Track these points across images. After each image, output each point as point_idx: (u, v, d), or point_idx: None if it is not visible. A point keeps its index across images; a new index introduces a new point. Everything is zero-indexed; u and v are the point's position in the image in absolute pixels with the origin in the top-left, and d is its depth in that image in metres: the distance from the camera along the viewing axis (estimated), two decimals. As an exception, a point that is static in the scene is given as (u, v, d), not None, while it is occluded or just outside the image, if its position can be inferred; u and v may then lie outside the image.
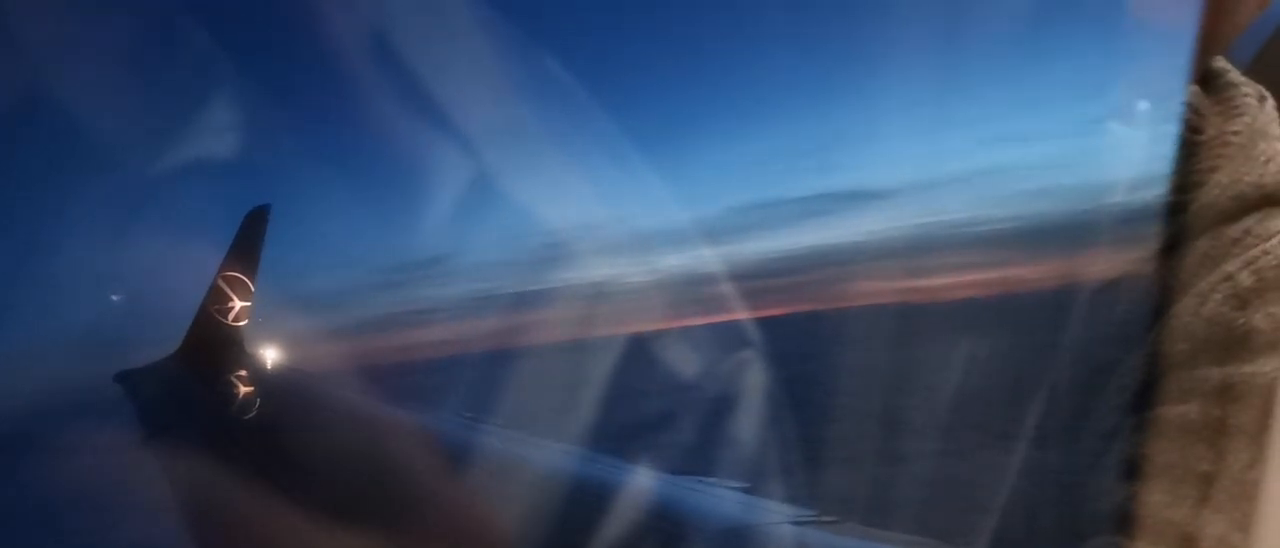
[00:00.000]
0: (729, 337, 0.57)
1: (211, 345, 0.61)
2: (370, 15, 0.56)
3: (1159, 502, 0.48)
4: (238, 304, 0.61)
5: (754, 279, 0.58)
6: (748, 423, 0.57)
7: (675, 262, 0.58)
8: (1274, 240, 0.48)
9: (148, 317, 0.63)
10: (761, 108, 0.58)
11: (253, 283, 0.61)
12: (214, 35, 0.57)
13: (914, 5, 0.53)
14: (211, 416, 0.64)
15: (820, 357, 0.57)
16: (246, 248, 0.60)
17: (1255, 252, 0.48)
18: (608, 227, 0.59)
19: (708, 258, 0.57)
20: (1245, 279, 0.47)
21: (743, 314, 0.57)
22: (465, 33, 0.55)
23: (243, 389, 0.61)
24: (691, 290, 0.59)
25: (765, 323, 0.57)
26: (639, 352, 0.58)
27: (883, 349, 0.55)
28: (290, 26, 0.57)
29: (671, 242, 0.58)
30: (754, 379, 0.57)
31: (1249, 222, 0.49)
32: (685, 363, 0.58)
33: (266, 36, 0.57)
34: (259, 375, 0.61)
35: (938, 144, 0.56)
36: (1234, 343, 0.47)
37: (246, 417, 0.62)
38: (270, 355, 0.61)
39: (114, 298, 0.60)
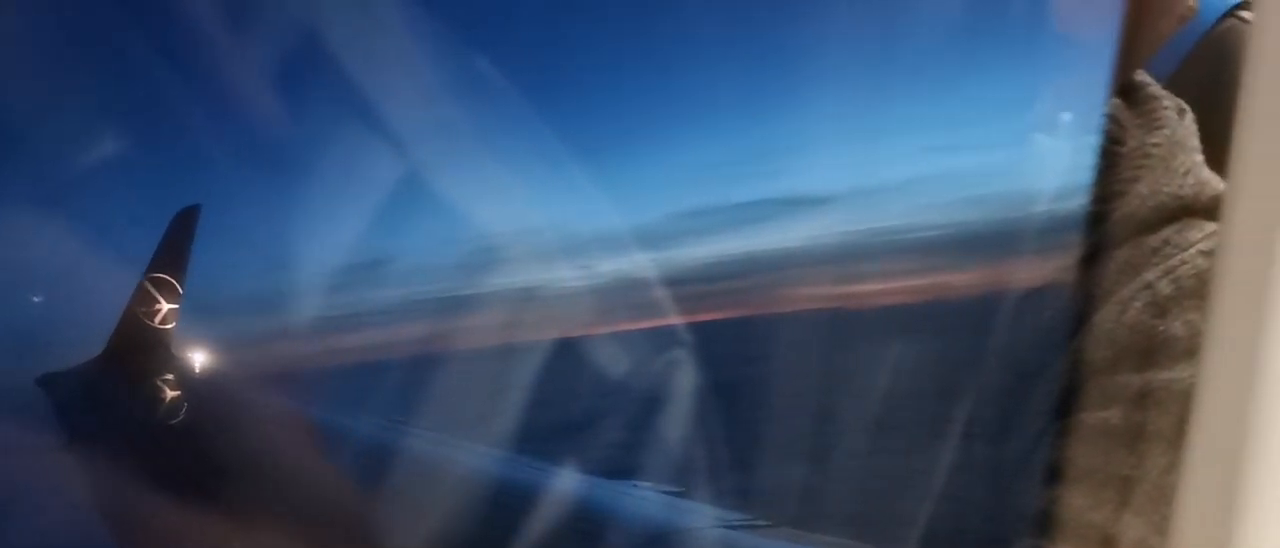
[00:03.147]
0: (664, 341, 0.57)
1: (137, 348, 0.60)
2: (304, 12, 0.55)
3: (1081, 505, 0.49)
4: (165, 307, 0.60)
5: (691, 284, 0.58)
6: (682, 427, 0.57)
7: (612, 267, 0.58)
8: (1192, 250, 0.50)
9: (71, 319, 0.61)
10: (699, 114, 0.58)
11: (181, 285, 0.60)
12: (143, 31, 0.56)
13: (850, 19, 0.54)
14: (137, 420, 0.63)
15: (755, 361, 0.57)
16: (175, 249, 0.59)
17: (1174, 261, 0.49)
18: (544, 232, 0.58)
19: (645, 263, 0.57)
20: (1164, 288, 0.49)
21: (679, 319, 0.57)
22: (401, 32, 0.55)
23: (169, 393, 0.60)
24: (628, 295, 0.59)
25: (701, 328, 0.58)
26: (575, 356, 0.58)
27: (816, 354, 0.55)
28: (224, 22, 0.56)
29: (609, 247, 0.58)
30: (688, 384, 0.57)
31: (1168, 232, 0.51)
32: (620, 368, 0.58)
33: (198, 32, 0.56)
34: (186, 379, 0.59)
35: (872, 153, 0.57)
36: (1153, 350, 0.48)
37: (172, 421, 0.60)
38: (198, 359, 0.59)
39: (36, 299, 0.59)
